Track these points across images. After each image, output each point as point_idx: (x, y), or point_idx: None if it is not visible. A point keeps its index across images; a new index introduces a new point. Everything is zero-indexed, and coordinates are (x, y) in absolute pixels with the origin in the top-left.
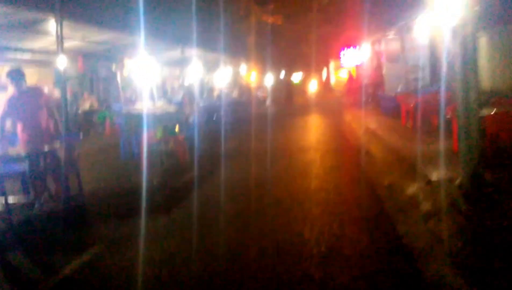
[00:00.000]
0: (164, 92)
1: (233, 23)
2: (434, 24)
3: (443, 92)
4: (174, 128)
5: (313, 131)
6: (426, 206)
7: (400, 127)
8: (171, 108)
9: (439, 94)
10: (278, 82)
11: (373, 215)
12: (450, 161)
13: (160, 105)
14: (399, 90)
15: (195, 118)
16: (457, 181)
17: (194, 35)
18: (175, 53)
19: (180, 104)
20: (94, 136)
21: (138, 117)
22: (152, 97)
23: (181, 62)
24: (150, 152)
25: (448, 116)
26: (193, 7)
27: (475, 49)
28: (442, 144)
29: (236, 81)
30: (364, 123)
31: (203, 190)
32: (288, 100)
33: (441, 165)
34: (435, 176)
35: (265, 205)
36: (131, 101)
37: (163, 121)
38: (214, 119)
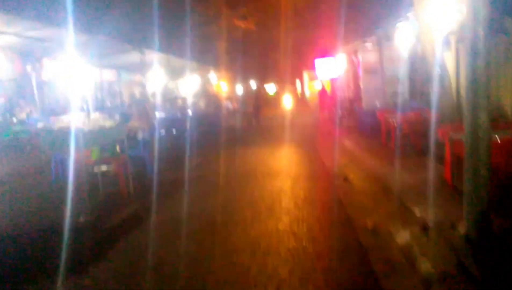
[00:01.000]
0: (102, 102)
1: (202, 27)
2: (415, 32)
3: (431, 110)
4: (114, 147)
5: (284, 151)
6: (425, 265)
7: (381, 149)
8: (109, 122)
9: (422, 112)
10: (249, 92)
11: (359, 278)
12: (445, 195)
13: (96, 118)
14: (378, 105)
15: (149, 132)
16: (461, 229)
17: (155, 37)
18: (132, 56)
19: (126, 117)
20: (25, 155)
21: (60, 134)
22: (86, 108)
23: (140, 68)
24: (81, 178)
25: (440, 140)
26: (154, 6)
27: (487, 59)
28: (432, 172)
29: (204, 90)
30: (340, 143)
31: (145, 232)
32: (256, 113)
33: (436, 202)
34: (431, 218)
35: (217, 261)
36: (54, 112)
37: (98, 138)
38: (174, 133)
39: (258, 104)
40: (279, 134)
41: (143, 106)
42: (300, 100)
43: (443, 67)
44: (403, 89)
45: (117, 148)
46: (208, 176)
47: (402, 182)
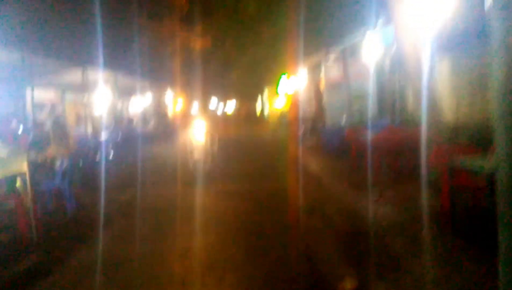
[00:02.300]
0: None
1: (156, 44)
2: (387, 41)
3: (409, 128)
4: (13, 181)
5: (239, 177)
6: None
7: (351, 173)
8: (4, 151)
9: (399, 130)
10: (203, 111)
11: None
12: (445, 245)
13: None
14: (343, 122)
15: (73, 160)
16: None
17: (100, 54)
18: (77, 75)
19: (38, 143)
20: None
21: None
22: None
23: (85, 87)
24: None
25: (433, 166)
26: (100, 24)
27: None
28: (421, 206)
29: (156, 110)
30: (305, 168)
31: None
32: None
33: (436, 256)
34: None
35: None
36: None
37: None
38: (111, 158)
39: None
40: (236, 158)
41: (62, 129)
42: (259, 118)
43: (430, 77)
44: (371, 105)
45: (18, 182)
46: (143, 214)
47: (386, 220)
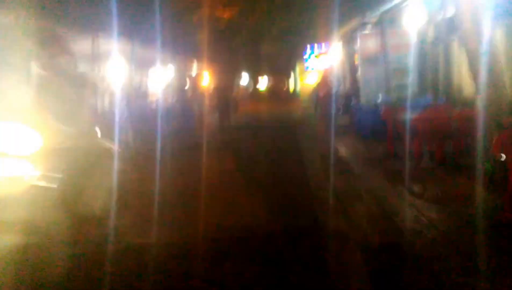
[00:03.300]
0: None
1: (178, 13)
2: (426, 11)
3: (455, 107)
4: None
5: (257, 163)
6: None
7: (387, 161)
8: None
9: (445, 109)
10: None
11: None
12: None
13: None
14: (379, 100)
15: None
16: None
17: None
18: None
19: None
20: None
21: None
22: None
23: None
24: None
25: (493, 156)
26: None
27: None
28: (480, 206)
29: (178, 85)
30: (334, 150)
31: None
32: (225, 112)
33: None
34: None
35: None
36: None
37: None
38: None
39: (227, 102)
40: (261, 140)
41: None
42: (292, 94)
43: (492, 47)
44: (412, 81)
45: None
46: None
47: (432, 230)
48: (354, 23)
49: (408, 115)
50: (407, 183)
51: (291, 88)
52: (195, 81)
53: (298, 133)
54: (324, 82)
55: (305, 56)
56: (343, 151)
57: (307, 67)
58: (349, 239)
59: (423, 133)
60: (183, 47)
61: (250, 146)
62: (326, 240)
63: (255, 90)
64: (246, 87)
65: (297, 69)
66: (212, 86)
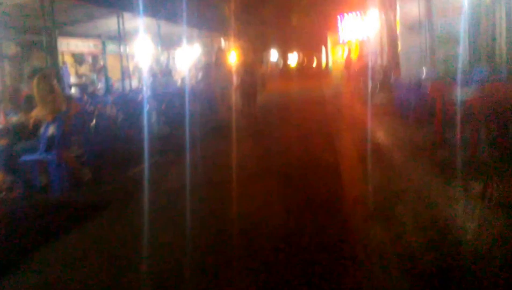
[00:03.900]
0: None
1: None
2: None
3: None
4: None
5: (284, 155)
6: None
7: (436, 149)
8: None
9: (507, 87)
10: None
11: None
12: None
13: None
14: (423, 75)
15: (69, 123)
16: None
17: None
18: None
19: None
20: None
21: None
22: None
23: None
24: None
25: None
26: None
27: None
28: None
29: (206, 62)
30: (373, 135)
31: None
32: (251, 91)
33: None
34: None
35: None
36: None
37: None
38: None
39: (253, 80)
40: (282, 122)
41: (50, 86)
42: (324, 70)
43: None
44: (464, 51)
45: None
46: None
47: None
48: None
49: (461, 93)
50: (463, 179)
51: (323, 63)
52: (220, 59)
53: (328, 114)
54: (359, 56)
55: (338, 28)
56: (382, 136)
57: (340, 40)
58: (389, 257)
59: (480, 115)
60: (209, 23)
61: (275, 130)
62: (359, 256)
63: (286, 66)
64: (276, 64)
65: (329, 42)
66: (238, 64)
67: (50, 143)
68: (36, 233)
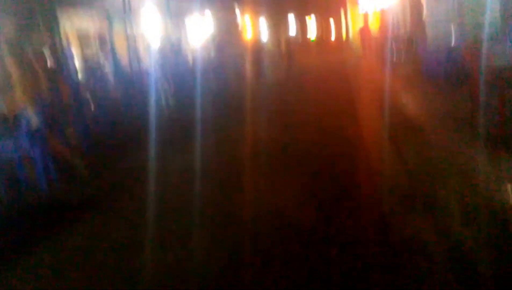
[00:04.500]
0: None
1: None
2: None
3: None
4: None
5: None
6: None
7: (475, 120)
8: None
9: None
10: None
11: None
12: None
13: None
14: (452, 41)
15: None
16: None
17: None
18: None
19: None
20: None
21: None
22: None
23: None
24: None
25: None
26: None
27: None
28: None
29: (217, 36)
30: (397, 107)
31: None
32: (256, 70)
33: None
34: None
35: None
36: None
37: None
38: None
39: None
40: (296, 98)
41: (33, 69)
42: (344, 42)
43: None
44: (492, 17)
45: None
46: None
47: None
48: None
49: (498, 58)
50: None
51: (343, 34)
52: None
53: (354, 87)
54: (380, 26)
55: None
56: (415, 106)
57: (360, 9)
58: (436, 256)
59: None
60: None
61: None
62: (397, 257)
63: (304, 39)
64: (295, 38)
65: (349, 12)
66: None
67: (35, 136)
68: (14, 238)
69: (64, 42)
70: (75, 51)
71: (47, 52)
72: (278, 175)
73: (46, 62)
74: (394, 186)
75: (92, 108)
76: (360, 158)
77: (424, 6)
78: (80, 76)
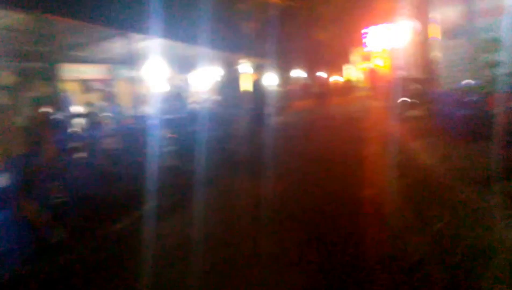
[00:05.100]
0: None
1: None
2: None
3: None
4: None
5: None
6: None
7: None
8: None
9: None
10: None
11: None
12: None
13: None
14: (465, 84)
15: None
16: None
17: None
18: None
19: None
20: None
21: None
22: None
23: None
24: None
25: None
26: None
27: None
28: None
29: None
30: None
31: None
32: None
33: None
34: None
35: None
36: None
37: None
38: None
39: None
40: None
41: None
42: (351, 85)
43: None
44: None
45: None
46: None
47: None
48: None
49: None
50: None
51: (351, 78)
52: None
53: (363, 135)
54: (388, 69)
55: (364, 41)
56: (433, 162)
57: (366, 53)
58: None
59: None
60: (226, 43)
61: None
62: None
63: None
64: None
65: (355, 56)
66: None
67: (3, 197)
68: None
69: (61, 90)
70: (73, 99)
71: (40, 101)
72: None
73: (36, 111)
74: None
75: (85, 161)
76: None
77: (435, 48)
78: (75, 125)
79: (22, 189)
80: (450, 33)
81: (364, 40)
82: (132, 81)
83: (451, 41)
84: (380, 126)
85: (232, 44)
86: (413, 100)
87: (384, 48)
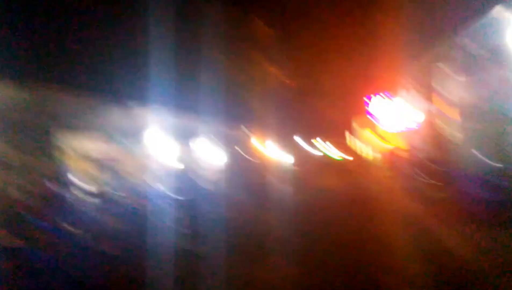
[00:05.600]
0: None
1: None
2: None
3: None
4: None
5: None
6: None
7: None
8: None
9: None
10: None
11: None
12: None
13: None
14: (493, 163)
15: None
16: None
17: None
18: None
19: None
20: None
21: None
22: None
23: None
24: None
25: None
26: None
27: None
28: None
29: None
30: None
31: None
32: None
33: None
34: None
35: None
36: None
37: None
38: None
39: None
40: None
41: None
42: (357, 161)
43: None
44: None
45: None
46: None
47: None
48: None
49: None
50: None
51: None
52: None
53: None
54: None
55: (369, 115)
56: (466, 253)
57: (375, 129)
58: None
59: None
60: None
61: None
62: None
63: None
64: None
65: (360, 130)
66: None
67: None
68: None
69: (62, 166)
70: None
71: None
72: None
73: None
74: None
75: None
76: None
77: (452, 125)
78: (73, 202)
79: None
80: (470, 113)
81: (368, 115)
82: (142, 155)
83: (471, 122)
84: (403, 209)
85: (236, 116)
86: (434, 182)
87: (400, 128)
